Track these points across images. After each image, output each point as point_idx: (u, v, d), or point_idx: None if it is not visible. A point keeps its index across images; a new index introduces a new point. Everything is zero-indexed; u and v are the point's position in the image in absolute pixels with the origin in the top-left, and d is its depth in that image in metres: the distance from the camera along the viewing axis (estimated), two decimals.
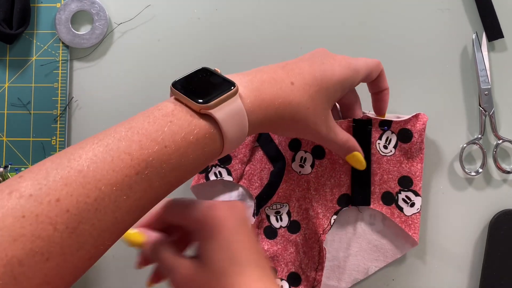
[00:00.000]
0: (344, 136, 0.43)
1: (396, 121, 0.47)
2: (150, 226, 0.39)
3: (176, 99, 0.34)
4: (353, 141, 0.44)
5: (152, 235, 0.38)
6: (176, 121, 0.32)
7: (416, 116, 0.47)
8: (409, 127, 0.47)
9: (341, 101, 0.46)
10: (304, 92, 0.38)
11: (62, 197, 0.27)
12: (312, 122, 0.39)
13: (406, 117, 0.47)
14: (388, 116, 0.48)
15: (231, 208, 0.36)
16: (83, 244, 0.28)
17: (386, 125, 0.47)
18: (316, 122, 0.39)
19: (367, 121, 0.47)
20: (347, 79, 0.40)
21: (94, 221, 0.28)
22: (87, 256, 0.29)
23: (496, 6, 0.50)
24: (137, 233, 0.38)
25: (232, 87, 0.34)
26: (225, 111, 0.33)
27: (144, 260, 0.40)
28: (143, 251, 0.39)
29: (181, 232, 0.39)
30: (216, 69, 0.37)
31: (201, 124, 0.32)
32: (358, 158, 0.44)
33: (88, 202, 0.28)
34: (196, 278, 0.35)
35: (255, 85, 0.36)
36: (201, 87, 0.34)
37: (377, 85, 0.45)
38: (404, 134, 0.47)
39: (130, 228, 0.35)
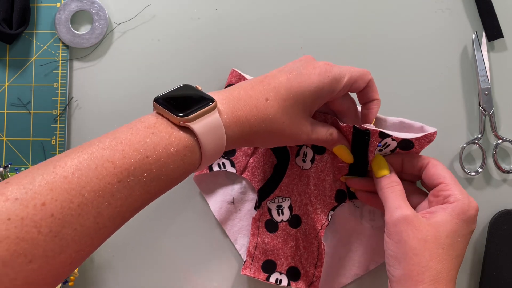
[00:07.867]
0: (327, 130, 0.44)
1: (401, 135, 0.44)
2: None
3: (158, 113, 0.36)
4: (336, 134, 0.44)
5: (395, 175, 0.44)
6: (157, 132, 0.34)
7: (425, 136, 0.43)
8: (413, 140, 0.44)
9: (336, 107, 0.45)
10: (278, 107, 0.39)
11: (47, 201, 0.28)
12: (289, 132, 0.41)
13: (413, 135, 0.44)
14: (391, 120, 0.46)
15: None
16: (65, 248, 0.29)
17: (385, 138, 0.44)
18: (293, 131, 0.41)
19: (365, 132, 0.44)
20: (324, 88, 0.41)
21: (77, 226, 0.29)
22: (69, 260, 0.30)
23: (496, 6, 0.50)
24: (386, 165, 0.44)
25: (211, 103, 0.36)
26: (203, 124, 0.35)
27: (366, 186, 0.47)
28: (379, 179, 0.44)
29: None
30: (197, 86, 0.39)
31: (181, 136, 0.34)
32: (343, 150, 0.45)
33: (72, 208, 0.29)
34: (418, 227, 0.39)
35: (232, 103, 0.38)
36: (182, 102, 0.36)
37: (365, 95, 0.44)
38: (405, 145, 0.44)
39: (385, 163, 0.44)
